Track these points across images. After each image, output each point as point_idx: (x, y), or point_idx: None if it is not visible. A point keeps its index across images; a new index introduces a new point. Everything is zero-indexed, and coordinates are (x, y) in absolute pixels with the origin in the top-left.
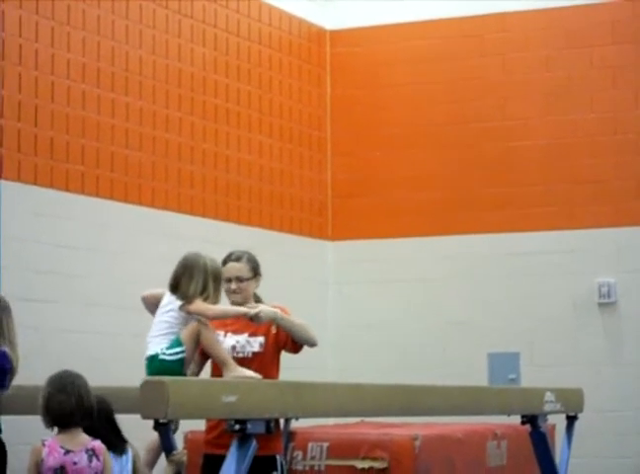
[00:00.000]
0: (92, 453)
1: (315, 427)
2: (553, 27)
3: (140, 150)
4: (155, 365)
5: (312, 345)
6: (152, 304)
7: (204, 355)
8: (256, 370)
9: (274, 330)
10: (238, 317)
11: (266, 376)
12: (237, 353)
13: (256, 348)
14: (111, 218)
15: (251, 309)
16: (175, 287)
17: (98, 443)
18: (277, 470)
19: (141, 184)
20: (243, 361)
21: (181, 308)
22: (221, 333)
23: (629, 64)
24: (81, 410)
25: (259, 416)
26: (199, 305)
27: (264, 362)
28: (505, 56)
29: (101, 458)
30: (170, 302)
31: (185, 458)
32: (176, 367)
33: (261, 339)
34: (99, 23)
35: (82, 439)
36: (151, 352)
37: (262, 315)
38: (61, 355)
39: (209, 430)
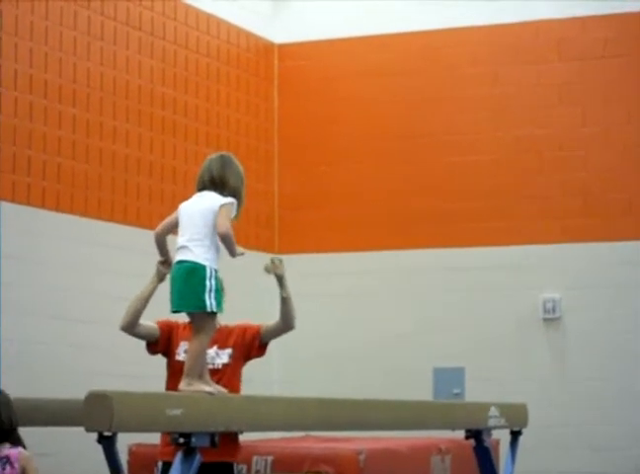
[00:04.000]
0: (6, 461)
1: (260, 440)
2: (501, 43)
3: (87, 162)
4: (190, 273)
5: (293, 326)
6: (165, 236)
7: (165, 335)
8: (223, 382)
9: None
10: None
11: (232, 389)
12: (207, 364)
13: (225, 359)
14: (57, 229)
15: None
16: (221, 184)
17: (15, 452)
18: None
19: (87, 195)
20: (212, 373)
21: (223, 205)
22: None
23: (576, 81)
24: None
25: (203, 429)
26: (228, 217)
27: (231, 374)
28: (452, 71)
29: (16, 465)
30: (212, 202)
31: None
32: (204, 301)
33: (229, 351)
34: (46, 34)
35: None
36: (195, 258)
37: (278, 263)
38: (8, 365)
39: (168, 442)
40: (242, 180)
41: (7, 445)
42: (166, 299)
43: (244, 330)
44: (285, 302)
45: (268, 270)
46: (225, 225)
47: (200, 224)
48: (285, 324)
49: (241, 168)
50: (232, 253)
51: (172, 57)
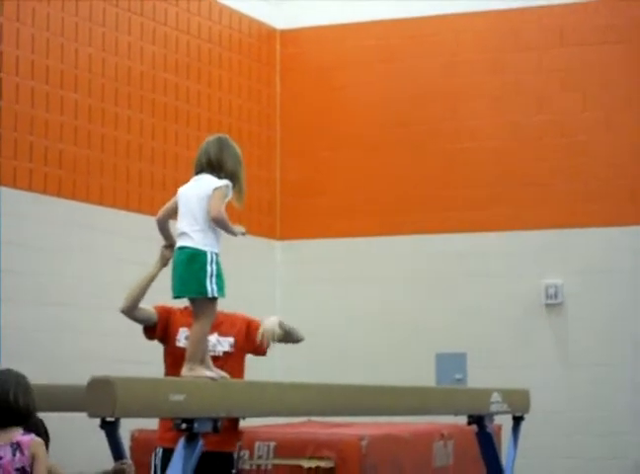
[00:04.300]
0: (16, 447)
1: (262, 426)
2: (502, 29)
3: (89, 148)
4: (196, 266)
5: (301, 340)
6: (166, 221)
7: (163, 320)
8: (226, 370)
9: (259, 335)
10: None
11: (234, 377)
12: (209, 351)
13: (226, 347)
14: (58, 216)
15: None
16: (218, 167)
17: (26, 438)
18: (234, 467)
19: (90, 181)
20: (213, 360)
21: (217, 189)
22: (186, 329)
23: (577, 68)
24: (10, 408)
25: (206, 415)
26: (224, 195)
27: (233, 362)
28: (454, 58)
29: (26, 452)
30: (208, 186)
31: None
32: (205, 287)
33: (230, 339)
34: (48, 20)
35: (11, 435)
36: (195, 244)
37: (271, 335)
38: (10, 351)
39: (168, 428)
40: (240, 162)
41: (20, 431)
42: (166, 284)
43: (248, 323)
44: (291, 333)
45: (269, 343)
46: (216, 209)
47: (197, 209)
48: (294, 342)
49: (238, 150)
50: (230, 233)
51: (174, 43)
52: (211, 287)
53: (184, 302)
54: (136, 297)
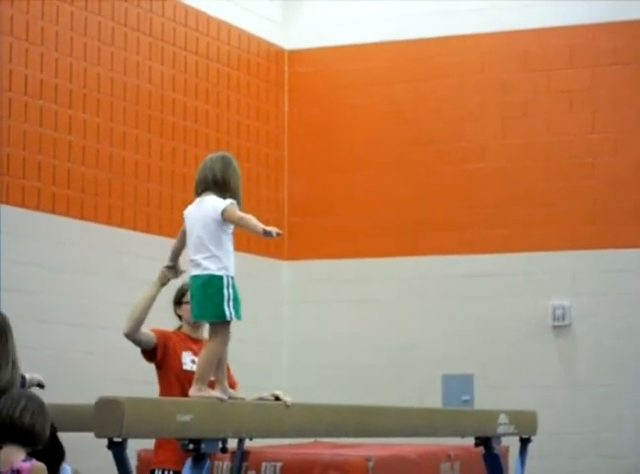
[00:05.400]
0: None
1: (269, 446)
2: (510, 50)
3: (97, 167)
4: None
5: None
6: (182, 249)
7: (162, 343)
8: None
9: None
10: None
11: None
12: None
13: None
14: (66, 235)
15: (264, 227)
16: (224, 184)
17: (27, 465)
18: None
19: (98, 201)
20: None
21: (225, 211)
22: (189, 352)
23: (585, 89)
24: (14, 425)
25: (213, 435)
26: (235, 209)
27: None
28: (461, 79)
29: None
30: (212, 208)
31: None
32: (223, 311)
33: None
34: (57, 39)
35: (12, 459)
36: (209, 272)
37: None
38: None
39: (174, 449)
40: (240, 180)
41: (22, 455)
42: (161, 306)
43: (228, 368)
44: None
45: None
46: (237, 216)
47: (204, 235)
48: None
49: (239, 168)
50: (259, 232)
51: (182, 63)
52: (229, 311)
53: (171, 325)
54: (138, 320)
